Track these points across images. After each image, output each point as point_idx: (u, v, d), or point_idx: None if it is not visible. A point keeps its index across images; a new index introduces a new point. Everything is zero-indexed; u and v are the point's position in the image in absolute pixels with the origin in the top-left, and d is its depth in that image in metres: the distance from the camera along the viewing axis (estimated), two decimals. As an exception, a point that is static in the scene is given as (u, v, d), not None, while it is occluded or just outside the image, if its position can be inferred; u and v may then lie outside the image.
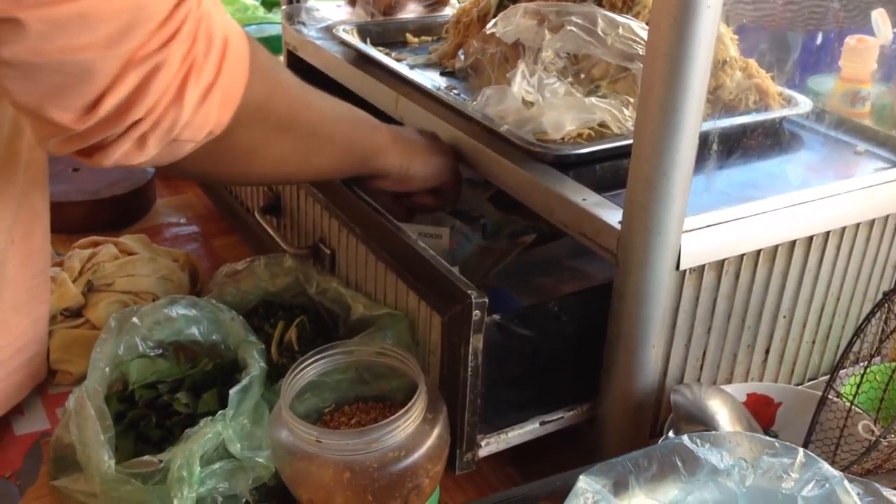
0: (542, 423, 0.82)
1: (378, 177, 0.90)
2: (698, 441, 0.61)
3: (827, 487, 0.56)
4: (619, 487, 0.60)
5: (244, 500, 0.75)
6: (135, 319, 0.86)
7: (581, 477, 0.60)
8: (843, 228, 0.83)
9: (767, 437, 0.60)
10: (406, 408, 0.71)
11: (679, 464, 0.60)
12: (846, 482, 0.56)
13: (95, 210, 1.23)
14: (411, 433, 0.72)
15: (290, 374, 0.76)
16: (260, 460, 0.75)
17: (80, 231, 1.12)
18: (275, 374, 0.84)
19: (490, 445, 0.80)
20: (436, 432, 0.74)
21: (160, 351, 0.88)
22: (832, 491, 0.56)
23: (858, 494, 0.57)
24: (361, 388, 0.82)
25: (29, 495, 0.81)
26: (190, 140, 0.63)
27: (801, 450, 0.58)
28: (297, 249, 0.98)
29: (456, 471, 0.79)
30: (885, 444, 0.70)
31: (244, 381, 0.78)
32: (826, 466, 0.57)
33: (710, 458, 0.60)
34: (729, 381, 0.84)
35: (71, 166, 1.30)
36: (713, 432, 0.62)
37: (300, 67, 1.24)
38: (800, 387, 0.87)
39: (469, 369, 0.74)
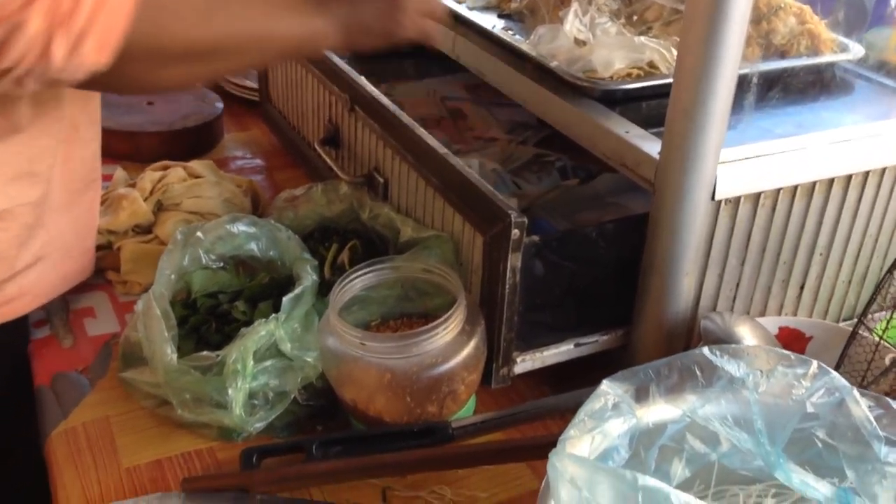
0: (577, 345, 0.85)
1: None
2: (718, 353, 0.63)
3: (837, 396, 0.59)
4: (641, 394, 0.64)
5: (293, 397, 0.81)
6: (199, 234, 0.92)
7: (605, 381, 0.63)
8: (884, 169, 0.84)
9: (784, 351, 0.62)
10: (445, 316, 0.76)
11: (698, 373, 0.63)
12: (856, 392, 0.59)
13: (168, 141, 1.30)
14: (449, 342, 0.77)
15: (339, 283, 0.81)
16: (309, 360, 0.80)
17: (153, 160, 1.19)
18: (325, 291, 0.89)
19: (526, 363, 0.84)
20: (473, 343, 0.78)
21: (221, 264, 0.94)
22: (842, 400, 0.59)
23: (869, 407, 0.59)
24: (406, 305, 0.87)
25: (99, 387, 0.88)
26: (69, 80, 0.67)
27: (815, 362, 0.60)
28: (353, 178, 1.03)
29: (492, 384, 0.83)
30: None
31: (297, 290, 0.84)
32: (837, 377, 0.59)
33: (728, 367, 0.62)
34: (762, 315, 0.86)
35: (146, 100, 1.37)
36: (733, 345, 0.64)
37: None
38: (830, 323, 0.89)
39: (507, 286, 0.79)
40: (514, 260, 0.78)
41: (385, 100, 1.01)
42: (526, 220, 0.77)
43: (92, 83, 0.68)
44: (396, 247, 0.93)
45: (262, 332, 0.79)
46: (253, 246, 0.94)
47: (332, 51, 0.90)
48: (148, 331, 0.83)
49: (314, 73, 1.14)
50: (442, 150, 0.89)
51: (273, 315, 0.81)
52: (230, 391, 0.77)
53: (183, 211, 1.06)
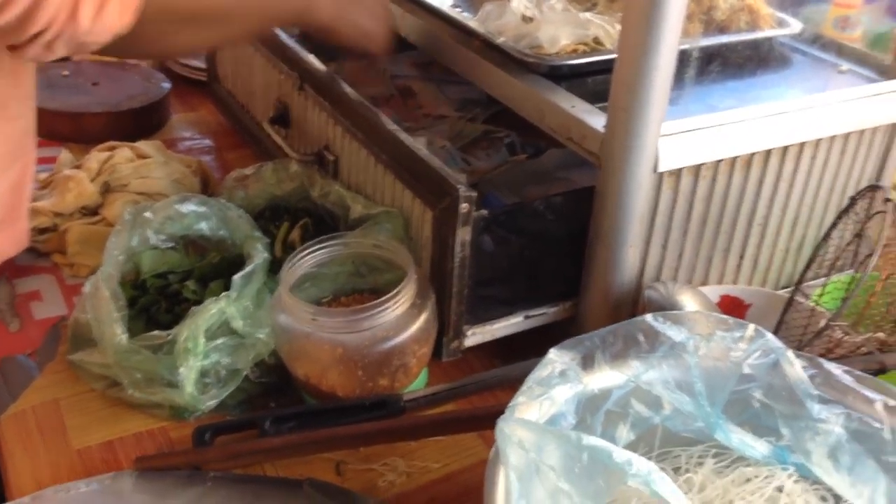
0: (526, 318, 0.87)
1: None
2: (660, 319, 0.65)
3: (772, 357, 0.61)
4: (587, 361, 0.65)
5: (245, 375, 0.81)
6: (147, 214, 0.92)
7: (552, 349, 0.65)
8: (818, 140, 0.87)
9: (723, 316, 0.65)
10: (395, 291, 0.77)
11: (641, 339, 0.65)
12: (790, 353, 0.61)
13: (113, 122, 1.28)
14: (400, 315, 0.78)
15: (290, 260, 0.81)
16: (261, 336, 0.80)
17: (99, 141, 1.17)
18: (277, 269, 0.89)
19: (476, 336, 0.85)
20: (423, 317, 0.79)
21: (171, 244, 0.94)
22: (777, 361, 0.61)
23: (803, 367, 0.62)
24: (357, 282, 0.87)
25: (48, 370, 0.88)
26: (95, 42, 0.71)
27: (751, 325, 0.63)
28: (303, 156, 1.03)
29: (443, 357, 0.85)
30: (841, 334, 0.75)
31: (248, 268, 0.84)
32: (773, 339, 0.62)
33: (670, 333, 0.64)
34: (704, 284, 0.89)
35: (91, 80, 1.35)
36: (674, 312, 0.66)
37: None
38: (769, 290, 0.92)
39: (457, 260, 0.80)
40: (464, 234, 0.79)
41: (334, 78, 1.01)
42: (475, 193, 0.78)
43: (111, 47, 0.72)
44: (347, 224, 0.93)
45: (214, 310, 0.79)
46: (203, 225, 0.94)
47: (318, 28, 0.92)
48: (97, 312, 0.83)
49: (262, 52, 1.14)
50: (391, 126, 0.90)
51: (224, 293, 0.81)
52: (182, 370, 0.77)
53: (131, 192, 1.05)
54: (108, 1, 0.68)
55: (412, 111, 1.24)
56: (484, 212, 0.80)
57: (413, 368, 0.80)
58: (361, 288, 0.87)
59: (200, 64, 1.44)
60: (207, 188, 1.13)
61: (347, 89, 0.98)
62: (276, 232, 0.98)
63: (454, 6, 1.09)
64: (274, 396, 0.84)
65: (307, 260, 0.83)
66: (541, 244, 0.87)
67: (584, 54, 0.93)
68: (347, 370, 0.77)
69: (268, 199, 1.02)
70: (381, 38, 0.96)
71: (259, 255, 0.87)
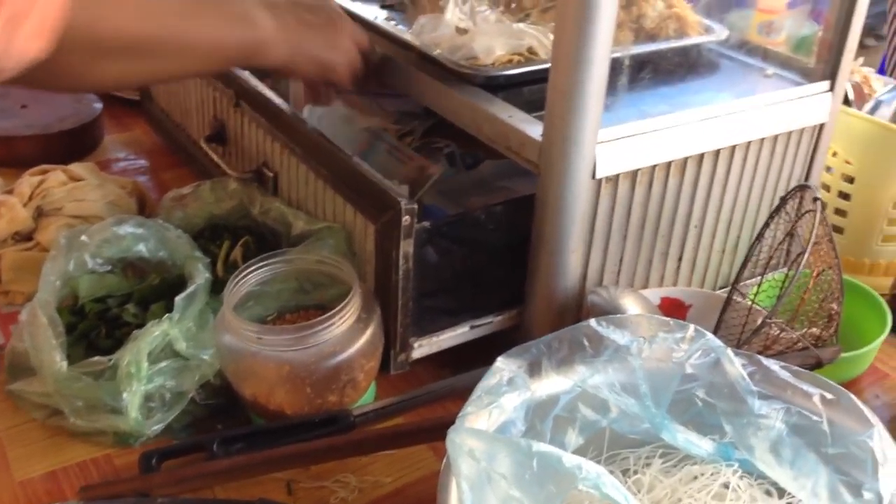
0: (472, 327, 0.88)
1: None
2: (604, 323, 0.67)
3: (713, 356, 0.63)
4: (534, 368, 0.66)
5: (190, 397, 0.80)
6: (84, 237, 0.90)
7: (499, 357, 0.66)
8: (748, 143, 0.89)
9: (664, 318, 0.66)
10: (340, 306, 0.77)
11: (586, 344, 0.66)
12: (730, 351, 0.63)
13: (45, 144, 1.26)
14: (346, 331, 0.78)
15: (233, 279, 0.81)
16: (205, 358, 0.80)
17: (31, 165, 1.14)
18: (219, 289, 0.88)
19: (423, 347, 0.86)
20: (369, 331, 0.79)
21: (109, 267, 0.92)
22: (717, 360, 0.63)
23: (743, 365, 0.64)
24: (302, 298, 0.87)
25: (-15, 402, 0.85)
26: (7, 68, 0.64)
27: (692, 326, 0.64)
28: (242, 174, 1.02)
29: (391, 370, 0.85)
30: (778, 331, 0.77)
31: (190, 289, 0.83)
32: (712, 338, 0.63)
33: (614, 337, 0.66)
34: (645, 287, 0.91)
35: (20, 103, 1.32)
36: (618, 315, 0.68)
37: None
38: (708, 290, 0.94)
39: (400, 273, 0.80)
40: (406, 246, 0.79)
41: (271, 94, 1.01)
42: (416, 206, 0.78)
43: (31, 76, 0.66)
44: (289, 240, 0.93)
45: (156, 332, 0.78)
46: (141, 247, 0.92)
47: (272, 69, 0.89)
48: (34, 340, 0.81)
49: (196, 69, 1.13)
50: (331, 142, 0.90)
51: (166, 315, 0.80)
52: (125, 395, 0.76)
53: (65, 215, 1.03)
54: (21, 21, 0.62)
55: (350, 125, 1.24)
56: (426, 223, 0.81)
57: (361, 383, 0.80)
58: (306, 304, 0.87)
59: (133, 83, 1.41)
60: (144, 209, 1.11)
61: (284, 105, 0.98)
62: (217, 251, 0.97)
63: (388, 19, 1.10)
64: (221, 418, 0.83)
65: (250, 278, 0.82)
66: (484, 254, 0.88)
67: (520, 64, 0.94)
68: (295, 388, 0.77)
69: (207, 218, 1.01)
70: (343, 68, 0.92)
71: (200, 276, 0.86)
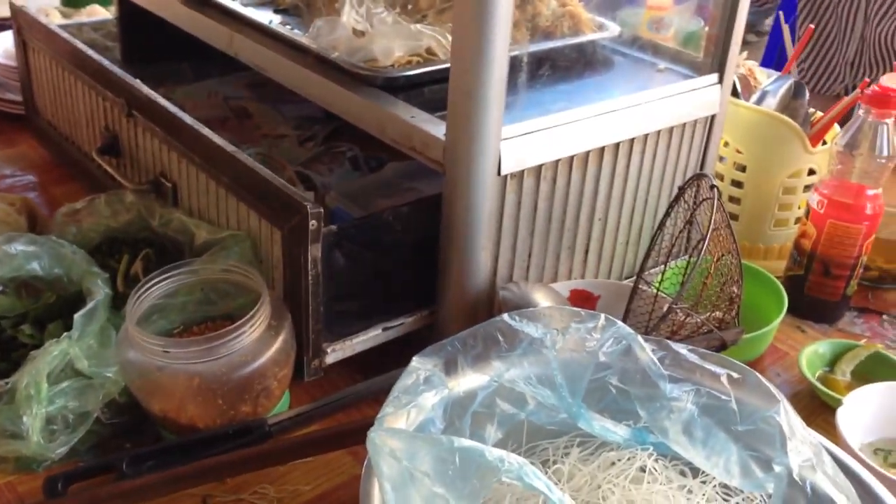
0: (384, 329, 0.87)
1: None
2: (517, 317, 0.67)
3: (624, 343, 0.64)
4: (450, 366, 0.66)
5: (95, 417, 0.77)
6: (-29, 258, 0.86)
7: (414, 357, 0.65)
8: (645, 136, 0.92)
9: (574, 308, 0.67)
10: (249, 315, 0.75)
11: (501, 339, 0.66)
12: (640, 338, 0.64)
13: (-79, 163, 1.19)
14: (256, 339, 0.76)
15: (135, 293, 0.78)
16: (109, 375, 0.77)
17: None
18: (121, 304, 0.85)
19: (336, 352, 0.85)
20: (281, 338, 0.78)
21: (1, 288, 0.88)
22: (629, 346, 0.64)
23: (653, 350, 0.65)
24: (208, 309, 0.85)
25: None
26: None
27: (602, 315, 0.65)
28: (138, 185, 0.99)
29: (305, 377, 0.83)
30: (683, 316, 0.79)
31: (89, 305, 0.80)
32: (623, 326, 0.65)
33: (528, 330, 0.66)
34: (554, 280, 0.92)
35: None
36: (530, 309, 0.68)
37: (132, 10, 1.22)
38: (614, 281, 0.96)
39: (310, 278, 0.79)
40: (314, 251, 0.78)
41: (165, 102, 0.98)
42: (322, 210, 0.77)
43: None
44: (193, 251, 0.90)
45: (55, 352, 0.74)
46: (35, 265, 0.88)
47: None
48: (-78, 368, 0.76)
49: (84, 79, 1.09)
50: (229, 148, 0.88)
51: (65, 334, 0.77)
52: (25, 418, 0.72)
53: (-51, 236, 0.97)
54: None
55: (250, 132, 1.21)
56: (333, 227, 0.80)
57: (275, 391, 0.79)
58: (213, 315, 0.85)
59: (16, 96, 1.35)
60: (35, 226, 1.06)
61: (180, 113, 0.95)
62: (117, 266, 0.94)
63: (283, 24, 1.08)
64: (129, 437, 0.80)
65: (153, 291, 0.80)
66: (393, 255, 0.87)
67: (419, 65, 0.94)
68: (206, 400, 0.75)
69: (103, 232, 0.97)
70: None
71: (99, 291, 0.83)
